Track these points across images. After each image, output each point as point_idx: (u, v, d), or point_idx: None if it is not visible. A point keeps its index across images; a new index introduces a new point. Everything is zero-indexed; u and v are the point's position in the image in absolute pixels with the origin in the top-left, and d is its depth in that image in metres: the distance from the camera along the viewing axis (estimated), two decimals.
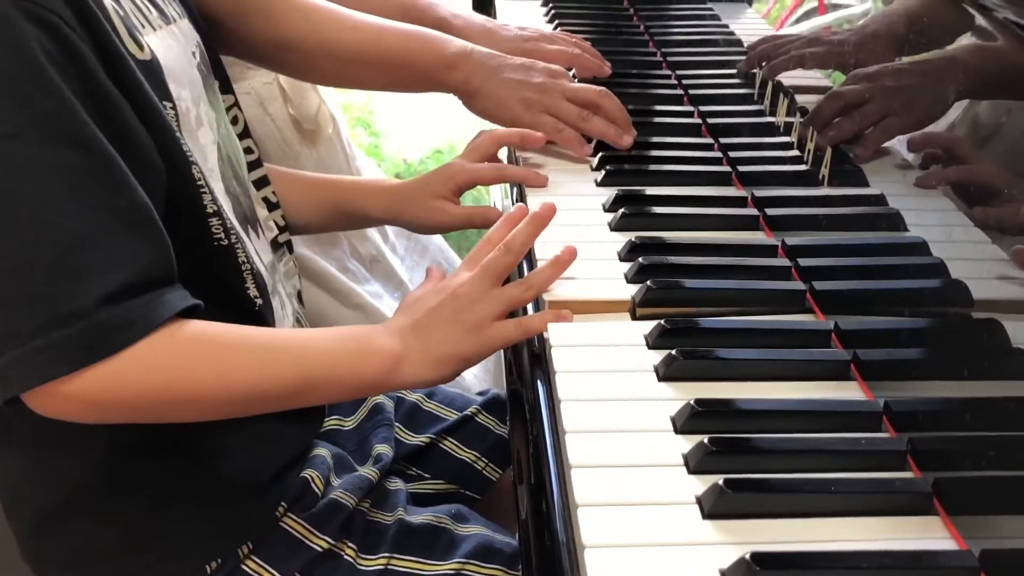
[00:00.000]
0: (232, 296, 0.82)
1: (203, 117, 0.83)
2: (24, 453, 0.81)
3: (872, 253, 0.89)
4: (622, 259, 0.87)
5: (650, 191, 0.99)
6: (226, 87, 0.93)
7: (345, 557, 0.86)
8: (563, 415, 0.68)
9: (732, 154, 1.05)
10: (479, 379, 1.35)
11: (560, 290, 0.81)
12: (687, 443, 0.65)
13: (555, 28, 1.42)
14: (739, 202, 0.97)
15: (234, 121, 0.93)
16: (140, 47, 0.75)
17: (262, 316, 0.84)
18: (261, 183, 0.95)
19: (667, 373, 0.72)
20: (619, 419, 0.68)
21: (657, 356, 0.73)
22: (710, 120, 1.14)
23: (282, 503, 0.85)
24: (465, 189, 1.01)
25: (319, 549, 0.85)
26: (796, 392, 0.71)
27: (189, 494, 0.82)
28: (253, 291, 0.83)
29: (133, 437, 0.78)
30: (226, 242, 0.80)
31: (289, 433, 0.88)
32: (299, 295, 0.98)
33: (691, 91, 1.22)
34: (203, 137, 0.83)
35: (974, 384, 0.71)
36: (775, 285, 0.83)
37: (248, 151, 0.94)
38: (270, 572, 0.83)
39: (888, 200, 0.95)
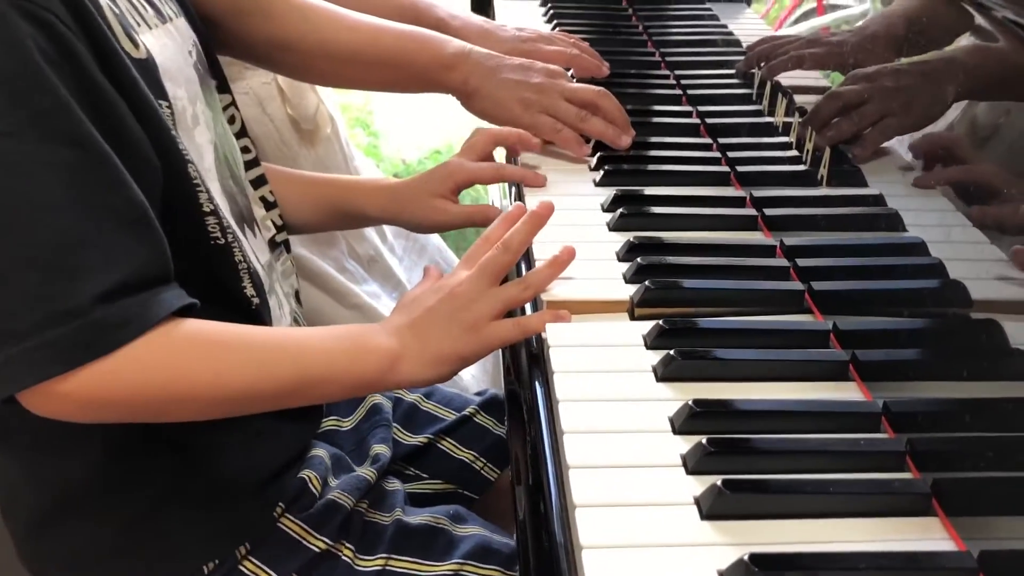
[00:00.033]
0: (229, 295, 0.82)
1: (199, 116, 0.83)
2: (20, 453, 0.81)
3: (871, 253, 0.89)
4: (620, 259, 0.87)
5: (649, 191, 0.98)
6: (223, 86, 0.93)
7: (343, 558, 0.85)
8: (561, 416, 0.68)
9: (731, 154, 1.05)
10: (477, 379, 1.35)
11: (558, 290, 0.81)
12: (685, 443, 0.65)
13: (554, 28, 1.42)
14: (738, 202, 0.97)
15: (231, 120, 0.93)
16: (136, 45, 0.74)
17: (259, 315, 0.84)
18: (258, 182, 0.95)
19: (665, 373, 0.71)
20: (617, 420, 0.67)
21: (655, 356, 0.73)
22: (709, 120, 1.14)
23: (280, 503, 0.85)
24: (464, 188, 1.00)
25: (317, 550, 0.85)
26: (795, 392, 0.71)
27: (186, 495, 0.82)
28: (250, 290, 0.83)
29: (130, 437, 0.78)
30: (222, 241, 0.80)
31: (287, 433, 0.88)
32: (297, 295, 0.98)
33: (690, 91, 1.22)
34: (199, 136, 0.83)
35: (973, 385, 0.71)
36: (773, 285, 0.83)
37: (245, 150, 0.94)
38: (268, 573, 0.83)
39: (887, 200, 0.95)
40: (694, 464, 0.63)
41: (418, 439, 1.02)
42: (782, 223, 0.92)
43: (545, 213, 0.83)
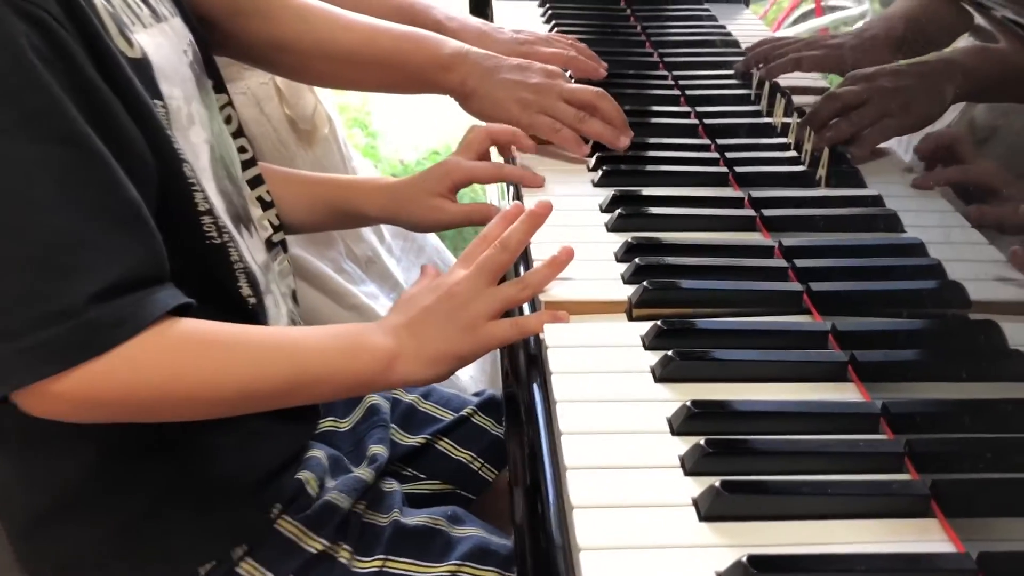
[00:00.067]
0: (225, 295, 0.81)
1: (195, 116, 0.83)
2: (15, 453, 0.81)
3: (869, 254, 0.89)
4: (619, 260, 0.87)
5: (647, 191, 0.98)
6: (219, 86, 0.93)
7: (340, 559, 0.85)
8: (559, 416, 0.67)
9: (729, 155, 1.05)
10: (475, 380, 1.35)
11: (556, 291, 0.81)
12: (683, 444, 0.65)
13: (552, 29, 1.42)
14: (736, 203, 0.97)
15: (228, 120, 0.93)
16: (130, 45, 0.74)
17: (255, 315, 0.84)
18: (255, 182, 0.95)
19: (663, 374, 0.71)
20: (615, 420, 0.67)
21: (654, 357, 0.73)
22: (707, 121, 1.14)
23: (277, 505, 0.85)
24: (461, 186, 1.00)
25: (314, 551, 0.84)
26: (793, 393, 0.71)
27: (183, 496, 0.82)
28: (246, 290, 0.83)
29: (126, 438, 0.78)
30: (218, 241, 0.80)
31: (284, 434, 0.87)
32: (294, 295, 0.98)
33: (688, 92, 1.22)
34: (195, 136, 0.83)
35: (972, 386, 0.71)
36: (772, 286, 0.83)
37: (242, 150, 0.94)
38: (265, 574, 0.83)
39: (885, 201, 0.95)
40: (692, 465, 0.63)
41: (416, 440, 1.02)
42: (781, 224, 0.92)
43: (543, 212, 0.82)
